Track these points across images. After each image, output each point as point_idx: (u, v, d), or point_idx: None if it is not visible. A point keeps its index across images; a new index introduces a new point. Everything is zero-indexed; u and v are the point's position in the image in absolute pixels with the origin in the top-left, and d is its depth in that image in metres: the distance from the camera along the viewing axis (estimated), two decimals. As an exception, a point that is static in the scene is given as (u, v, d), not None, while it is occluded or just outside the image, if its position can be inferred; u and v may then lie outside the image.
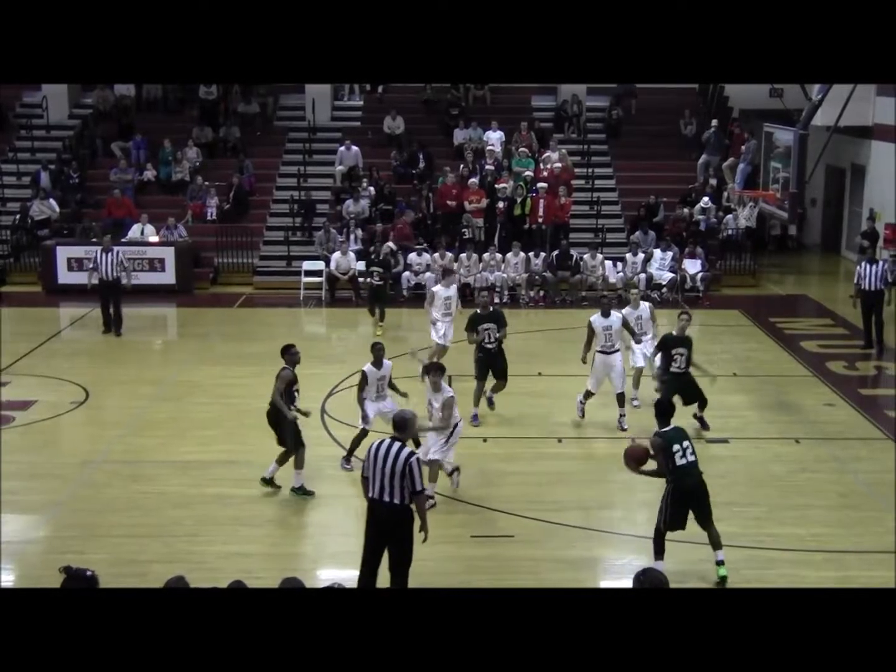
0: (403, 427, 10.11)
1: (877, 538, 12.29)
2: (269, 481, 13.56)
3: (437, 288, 18.85)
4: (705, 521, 11.19)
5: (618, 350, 15.97)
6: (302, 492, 13.45)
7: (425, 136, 30.37)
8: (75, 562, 7.82)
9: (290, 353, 13.45)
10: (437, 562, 11.29)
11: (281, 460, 13.49)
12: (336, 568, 11.60)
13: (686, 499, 11.10)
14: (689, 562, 11.51)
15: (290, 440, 13.30)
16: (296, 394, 13.40)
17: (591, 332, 15.95)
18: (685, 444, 11.10)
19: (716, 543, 11.17)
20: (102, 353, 20.27)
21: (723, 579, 11.01)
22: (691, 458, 11.07)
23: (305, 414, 13.71)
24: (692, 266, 25.55)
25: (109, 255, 21.66)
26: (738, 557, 11.65)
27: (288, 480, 13.49)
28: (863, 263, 20.79)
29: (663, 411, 11.53)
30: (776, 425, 16.19)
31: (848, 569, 11.48)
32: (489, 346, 16.25)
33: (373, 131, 31.01)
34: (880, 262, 20.94)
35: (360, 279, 24.10)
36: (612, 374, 15.93)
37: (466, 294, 25.10)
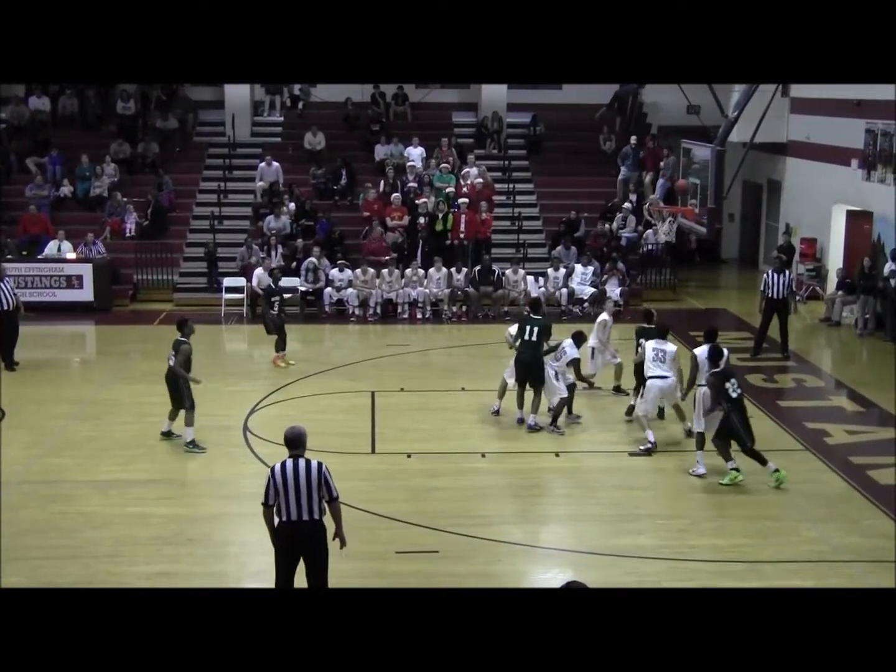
0: (298, 443, 9.95)
1: (794, 548, 12.47)
2: (167, 434, 15.81)
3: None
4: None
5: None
6: (193, 446, 15.41)
7: (346, 151, 30.27)
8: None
9: (188, 326, 15.59)
10: (362, 578, 11.22)
11: (172, 416, 15.75)
12: (260, 586, 11.49)
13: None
14: (613, 575, 11.60)
15: (188, 400, 15.38)
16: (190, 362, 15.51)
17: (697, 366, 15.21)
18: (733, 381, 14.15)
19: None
20: (18, 372, 19.85)
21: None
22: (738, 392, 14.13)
23: (197, 382, 15.52)
24: (612, 285, 25.68)
25: (6, 282, 20.07)
26: (659, 569, 11.76)
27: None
28: (770, 272, 21.42)
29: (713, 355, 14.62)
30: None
31: (767, 579, 11.61)
32: None
33: (293, 147, 30.89)
34: (787, 273, 21.48)
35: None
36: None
37: (388, 311, 25.16)
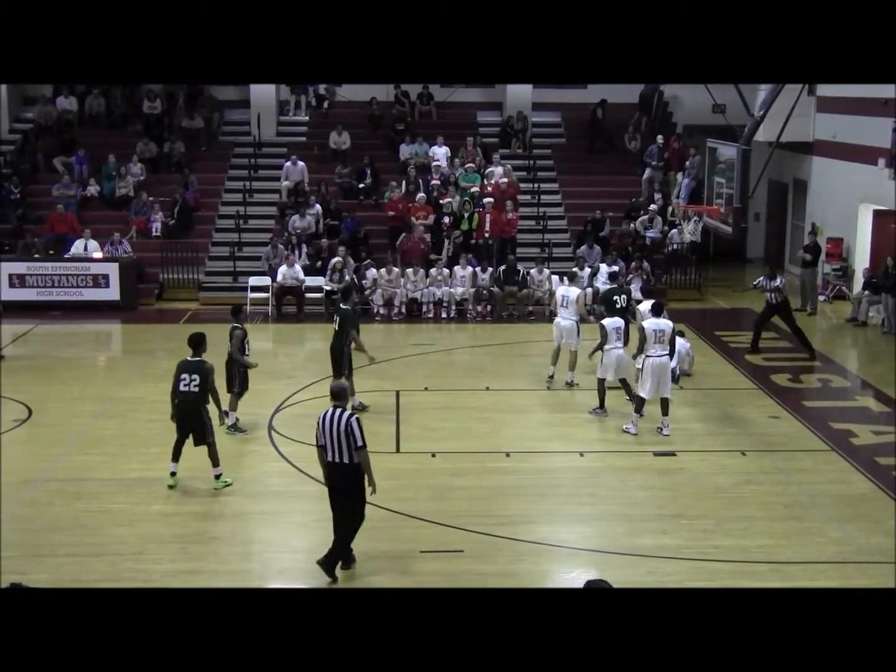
0: (341, 396, 11.48)
1: (819, 548, 12.42)
2: (234, 426, 16.14)
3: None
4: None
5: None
6: (235, 429, 16.11)
7: (371, 151, 30.32)
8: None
9: (242, 312, 16.48)
10: (387, 577, 11.29)
11: (234, 406, 16.21)
12: (284, 584, 11.53)
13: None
14: (636, 574, 11.58)
15: (240, 384, 16.18)
16: (246, 345, 16.13)
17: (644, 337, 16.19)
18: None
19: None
20: (45, 371, 20.00)
21: None
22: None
23: (254, 365, 16.33)
24: (635, 284, 25.57)
25: None
26: (683, 569, 11.74)
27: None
28: (763, 278, 21.80)
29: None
30: (722, 438, 16.31)
31: (792, 579, 11.57)
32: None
33: (319, 146, 30.95)
34: (779, 278, 21.68)
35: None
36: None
37: (413, 310, 25.16)
